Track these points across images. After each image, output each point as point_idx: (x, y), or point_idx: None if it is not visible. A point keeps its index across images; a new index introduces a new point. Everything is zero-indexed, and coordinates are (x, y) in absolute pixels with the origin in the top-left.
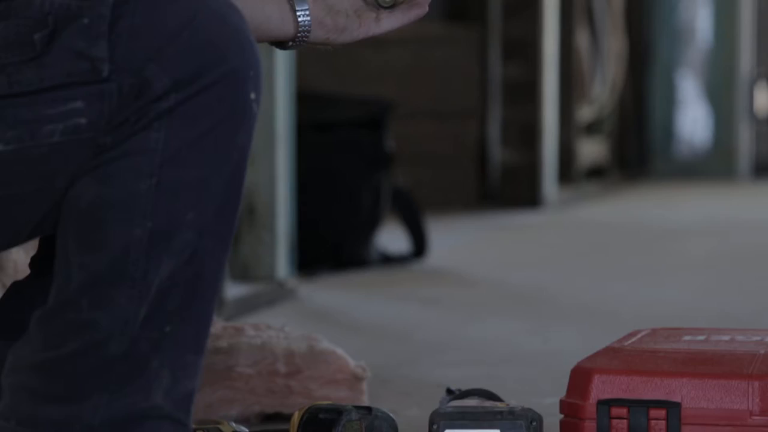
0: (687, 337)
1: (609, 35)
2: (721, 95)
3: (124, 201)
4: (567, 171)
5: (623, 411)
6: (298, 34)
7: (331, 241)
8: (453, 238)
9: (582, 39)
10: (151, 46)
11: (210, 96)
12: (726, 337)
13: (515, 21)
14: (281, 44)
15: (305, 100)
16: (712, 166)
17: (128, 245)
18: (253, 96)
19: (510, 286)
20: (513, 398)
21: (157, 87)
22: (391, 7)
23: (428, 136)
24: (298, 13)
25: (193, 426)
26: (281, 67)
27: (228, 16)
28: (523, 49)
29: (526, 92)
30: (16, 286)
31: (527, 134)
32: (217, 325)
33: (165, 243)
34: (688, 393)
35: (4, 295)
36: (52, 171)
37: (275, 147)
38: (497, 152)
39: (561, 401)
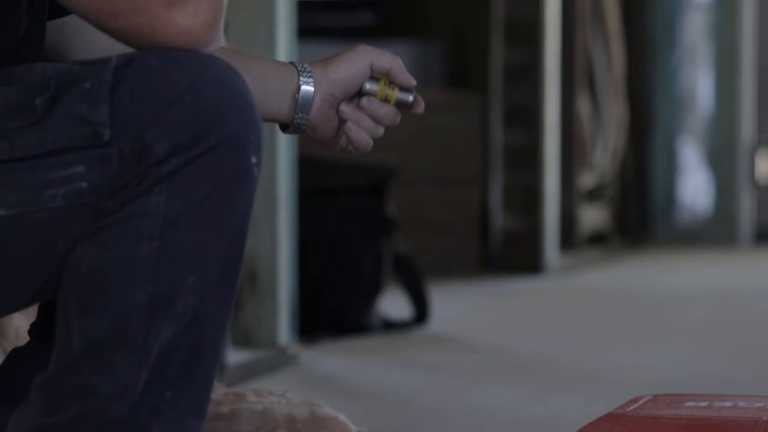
0: (689, 404)
1: (610, 102)
2: (723, 162)
3: (124, 265)
4: (568, 237)
5: None
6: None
7: (333, 307)
8: (454, 303)
9: (583, 105)
10: (153, 110)
11: (211, 160)
12: (729, 404)
13: (516, 88)
14: (283, 127)
15: (307, 166)
16: (714, 232)
17: (129, 310)
18: (254, 160)
19: (512, 352)
20: None
21: (158, 151)
22: (407, 106)
23: (429, 202)
24: (300, 81)
25: None
26: None
27: (229, 79)
28: (525, 116)
29: (528, 158)
30: (17, 352)
31: (529, 200)
32: (219, 391)
33: (166, 308)
34: None
35: (4, 361)
36: (54, 235)
37: (277, 212)
38: (498, 218)
39: None
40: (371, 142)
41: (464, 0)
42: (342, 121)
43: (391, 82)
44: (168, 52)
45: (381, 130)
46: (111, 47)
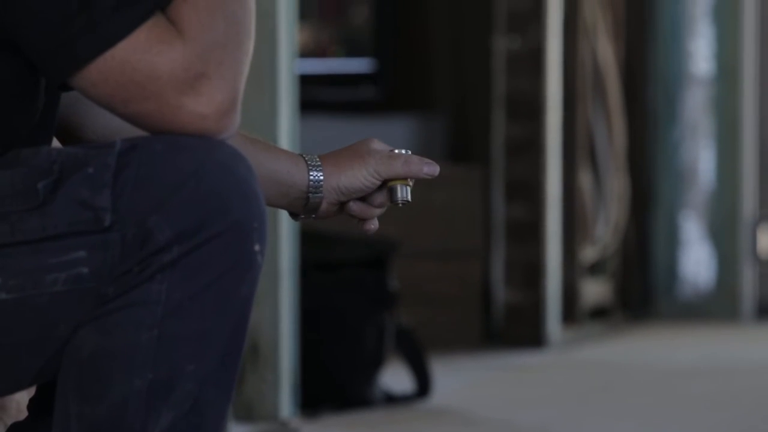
0: None
1: (611, 176)
2: (725, 236)
3: (124, 352)
4: (570, 311)
5: None
6: (309, 193)
7: (335, 380)
8: (456, 377)
9: (585, 179)
10: (155, 196)
11: (213, 248)
12: None
13: (518, 161)
14: (293, 214)
15: (309, 240)
16: (716, 307)
17: (128, 396)
18: (257, 248)
19: (514, 426)
20: None
21: (159, 239)
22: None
23: (431, 276)
24: (310, 173)
25: None
26: None
27: (234, 166)
28: (526, 190)
29: (529, 232)
30: (15, 427)
31: (531, 274)
32: None
33: (165, 394)
34: None
35: None
36: (54, 320)
37: (279, 286)
38: (500, 292)
39: None
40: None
41: (466, 74)
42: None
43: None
44: (174, 137)
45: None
46: (123, 125)
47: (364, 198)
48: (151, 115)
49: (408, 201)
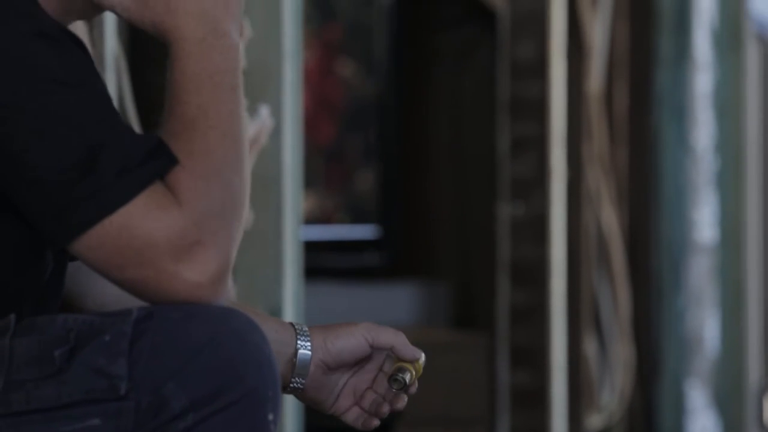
0: None
1: (617, 343)
2: (730, 405)
3: None
4: None
5: None
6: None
7: None
8: None
9: (590, 346)
10: (171, 364)
11: (228, 417)
12: None
13: (522, 328)
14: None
15: (313, 409)
16: None
17: None
18: (271, 417)
19: None
20: None
21: (174, 406)
22: (402, 389)
23: None
24: (298, 345)
25: None
26: None
27: (248, 334)
28: (531, 356)
29: (534, 399)
30: None
31: None
32: None
33: None
34: None
35: None
36: None
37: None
38: None
39: None
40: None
41: (470, 241)
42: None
43: (398, 359)
44: (188, 305)
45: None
46: (120, 294)
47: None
48: (147, 282)
49: (406, 383)
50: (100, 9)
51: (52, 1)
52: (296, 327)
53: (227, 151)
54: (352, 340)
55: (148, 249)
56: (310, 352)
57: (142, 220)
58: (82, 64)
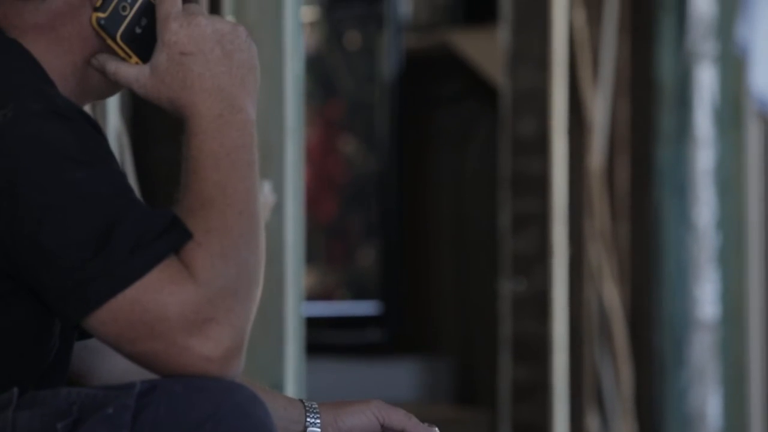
0: None
1: (619, 420)
2: None
3: None
4: None
5: None
6: None
7: None
8: None
9: (592, 423)
10: None
11: None
12: None
13: (524, 405)
14: None
15: None
16: None
17: None
18: None
19: None
20: None
21: None
22: None
23: None
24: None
25: None
26: None
27: (251, 409)
28: None
29: None
30: None
31: None
32: None
33: None
34: None
35: None
36: None
37: None
38: None
39: None
40: None
41: (472, 317)
42: None
43: None
44: (192, 378)
45: None
46: (128, 369)
47: None
48: (158, 355)
49: None
50: (117, 87)
51: (70, 82)
52: (306, 404)
53: (243, 229)
54: (363, 418)
55: (160, 323)
56: (319, 430)
57: (155, 294)
58: (96, 143)
